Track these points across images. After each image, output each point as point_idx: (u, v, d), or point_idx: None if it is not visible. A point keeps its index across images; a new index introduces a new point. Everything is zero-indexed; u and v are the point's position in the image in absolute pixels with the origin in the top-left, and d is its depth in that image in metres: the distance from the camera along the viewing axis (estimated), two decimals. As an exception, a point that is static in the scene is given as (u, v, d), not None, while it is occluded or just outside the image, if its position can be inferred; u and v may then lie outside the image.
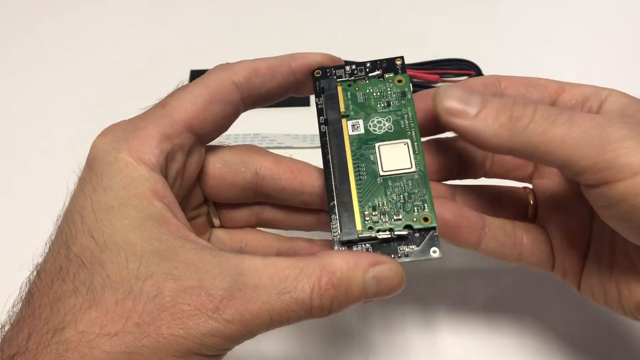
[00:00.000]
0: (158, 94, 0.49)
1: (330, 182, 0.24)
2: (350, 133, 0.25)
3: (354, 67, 0.26)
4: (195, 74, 0.49)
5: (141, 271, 0.19)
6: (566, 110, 0.21)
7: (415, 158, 0.24)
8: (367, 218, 0.23)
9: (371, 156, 0.24)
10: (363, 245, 0.23)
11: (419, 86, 0.46)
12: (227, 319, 0.19)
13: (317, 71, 0.26)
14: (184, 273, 0.20)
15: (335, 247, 0.23)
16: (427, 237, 0.23)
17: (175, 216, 0.21)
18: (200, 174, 0.26)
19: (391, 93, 0.26)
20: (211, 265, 0.20)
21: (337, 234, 0.23)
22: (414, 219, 0.23)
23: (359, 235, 0.23)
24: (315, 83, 0.26)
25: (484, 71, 0.47)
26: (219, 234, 0.28)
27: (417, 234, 0.23)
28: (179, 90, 0.24)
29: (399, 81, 0.26)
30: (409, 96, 0.25)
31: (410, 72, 0.47)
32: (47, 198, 0.41)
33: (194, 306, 0.19)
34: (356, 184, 0.24)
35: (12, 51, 0.53)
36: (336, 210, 0.23)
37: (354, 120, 0.25)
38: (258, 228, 0.29)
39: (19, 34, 0.55)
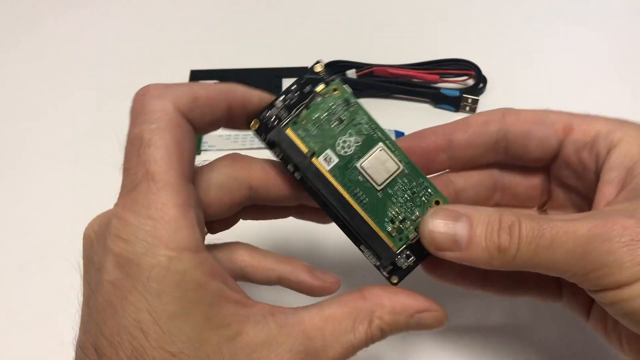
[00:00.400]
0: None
1: (342, 224, 0.24)
2: (328, 168, 0.24)
3: (282, 98, 0.24)
4: (195, 74, 0.49)
5: (238, 356, 0.20)
6: (547, 227, 0.21)
7: (396, 156, 0.24)
8: (392, 234, 0.24)
9: (359, 177, 0.24)
10: (405, 257, 0.24)
11: (419, 86, 0.46)
12: None
13: (253, 124, 0.24)
14: (261, 354, 0.20)
15: (385, 273, 0.24)
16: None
17: (230, 287, 0.21)
18: (203, 206, 0.24)
19: (336, 107, 0.24)
20: (282, 337, 0.21)
21: (378, 264, 0.24)
22: (429, 208, 0.24)
23: (397, 252, 0.24)
24: (263, 137, 0.24)
25: (484, 71, 0.47)
26: (213, 252, 0.26)
27: None
28: (144, 152, 0.20)
29: (335, 90, 0.24)
30: (353, 100, 0.24)
31: (410, 72, 0.47)
32: (47, 198, 0.41)
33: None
34: (364, 211, 0.24)
35: (12, 51, 0.53)
36: (366, 246, 0.24)
37: (324, 154, 0.24)
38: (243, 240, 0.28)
39: (18, 33, 0.55)
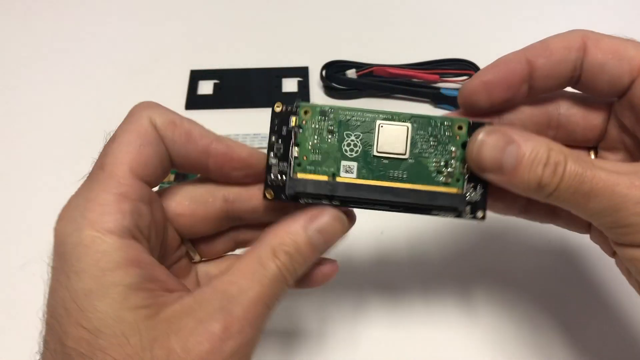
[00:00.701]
0: (158, 94, 0.49)
1: (402, 209, 0.24)
2: (354, 176, 0.24)
3: (272, 154, 0.24)
4: (195, 74, 0.49)
5: (144, 341, 0.20)
6: (589, 173, 0.21)
7: (396, 121, 0.24)
8: (448, 182, 0.24)
9: (384, 161, 0.24)
10: (473, 190, 0.24)
11: (418, 86, 0.47)
12: (239, 331, 0.20)
13: (268, 195, 0.24)
14: (181, 324, 0.20)
15: (468, 216, 0.24)
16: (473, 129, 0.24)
17: (155, 274, 0.21)
18: (171, 216, 0.25)
19: (318, 125, 0.24)
20: (197, 304, 0.21)
21: (457, 214, 0.24)
22: (457, 137, 0.24)
23: (464, 192, 0.24)
24: (284, 198, 0.24)
25: (484, 71, 0.47)
26: (205, 268, 0.28)
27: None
28: (109, 144, 0.23)
29: (306, 113, 0.24)
30: (327, 108, 0.24)
31: (410, 72, 0.47)
32: (48, 198, 0.41)
33: (205, 340, 0.20)
34: (411, 183, 0.24)
35: (12, 51, 0.53)
36: (436, 209, 0.24)
37: (342, 168, 0.24)
38: (239, 251, 0.28)
39: (18, 33, 0.55)
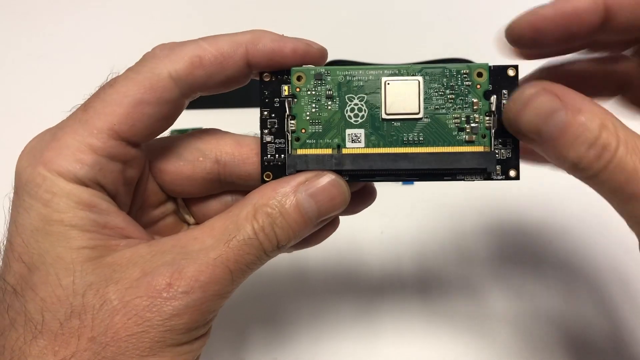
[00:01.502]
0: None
1: (425, 176, 0.21)
2: (363, 145, 0.21)
3: (267, 131, 0.22)
4: (195, 74, 0.49)
5: (77, 285, 0.18)
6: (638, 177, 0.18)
7: (406, 75, 0.21)
8: (472, 140, 0.21)
9: (396, 124, 0.21)
10: (502, 147, 0.21)
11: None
12: (185, 291, 0.18)
13: (266, 177, 0.22)
14: (125, 272, 0.19)
15: (504, 177, 0.21)
16: (499, 75, 0.21)
17: (111, 220, 0.20)
18: (155, 171, 0.23)
19: (315, 91, 0.21)
20: (149, 254, 0.19)
21: (488, 176, 0.21)
22: (478, 86, 0.21)
23: (493, 150, 0.21)
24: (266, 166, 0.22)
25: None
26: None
27: (495, 86, 0.21)
28: (105, 86, 0.21)
29: (299, 79, 0.22)
30: (323, 70, 0.21)
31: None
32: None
33: (145, 296, 0.18)
34: (429, 146, 0.21)
35: (12, 51, 0.53)
36: (463, 173, 0.21)
37: (347, 138, 0.21)
38: None
39: (18, 34, 0.55)
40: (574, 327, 0.33)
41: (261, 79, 0.22)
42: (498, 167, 0.21)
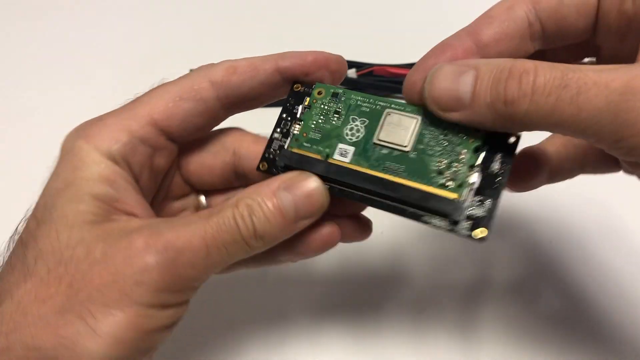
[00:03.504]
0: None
1: (394, 207, 0.22)
2: (348, 160, 0.22)
3: (279, 130, 0.24)
4: (195, 74, 0.49)
5: (72, 239, 0.20)
6: (573, 76, 0.17)
7: (408, 112, 0.22)
8: (447, 184, 0.21)
9: (383, 151, 0.22)
10: (478, 202, 0.20)
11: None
12: (158, 250, 0.20)
13: (262, 167, 0.24)
14: (115, 236, 0.20)
15: (464, 231, 0.20)
16: (495, 137, 0.21)
17: (124, 198, 0.22)
18: (180, 161, 0.26)
19: (328, 106, 0.23)
20: (140, 227, 0.21)
21: (451, 226, 0.21)
22: (470, 141, 0.21)
23: (459, 200, 0.20)
24: (275, 172, 0.24)
25: (484, 71, 0.47)
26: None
27: (487, 148, 0.21)
28: (156, 87, 0.24)
29: (319, 93, 0.24)
30: (340, 91, 0.24)
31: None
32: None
33: (123, 251, 0.19)
34: (405, 179, 0.21)
35: (12, 51, 0.53)
36: (428, 214, 0.21)
37: (337, 150, 0.23)
38: None
39: (18, 33, 0.55)
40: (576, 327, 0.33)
41: (292, 88, 0.25)
42: (465, 223, 0.20)
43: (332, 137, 0.23)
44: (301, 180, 0.22)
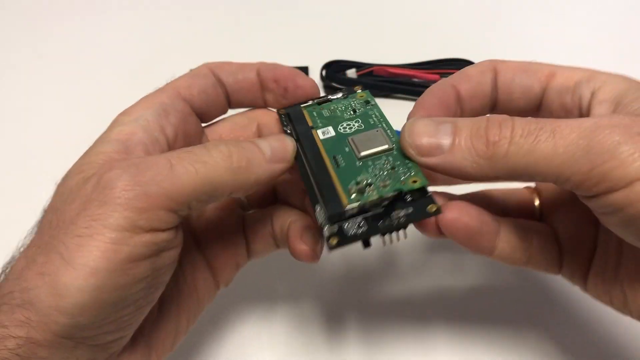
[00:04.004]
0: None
1: (308, 177, 0.23)
2: (322, 138, 0.25)
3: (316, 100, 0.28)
4: (195, 74, 0.49)
5: (75, 182, 0.21)
6: (547, 122, 0.19)
7: (391, 139, 0.24)
8: (352, 193, 0.22)
9: (346, 148, 0.24)
10: (354, 221, 0.22)
11: (419, 86, 0.47)
12: (124, 166, 0.20)
13: (280, 111, 0.28)
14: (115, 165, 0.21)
15: (326, 230, 0.21)
16: (422, 198, 0.21)
17: (127, 154, 0.23)
18: (209, 135, 0.28)
19: (355, 104, 0.27)
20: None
21: (322, 213, 0.22)
22: (402, 183, 0.21)
23: (346, 209, 0.21)
24: (280, 116, 0.27)
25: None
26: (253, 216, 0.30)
27: (409, 199, 0.22)
28: (171, 81, 0.27)
29: (361, 96, 0.27)
30: (373, 102, 0.27)
31: (410, 72, 0.47)
32: (47, 198, 0.41)
33: (96, 177, 0.20)
34: (335, 171, 0.23)
35: (12, 51, 0.53)
36: (317, 195, 0.22)
37: (324, 128, 0.25)
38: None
39: (19, 34, 0.55)
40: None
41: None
42: (334, 227, 0.22)
43: (333, 120, 0.26)
44: (275, 135, 0.25)
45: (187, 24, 0.56)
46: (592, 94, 0.23)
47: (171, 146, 0.25)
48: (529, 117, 0.20)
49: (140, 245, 0.19)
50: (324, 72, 0.48)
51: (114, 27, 0.56)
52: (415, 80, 0.47)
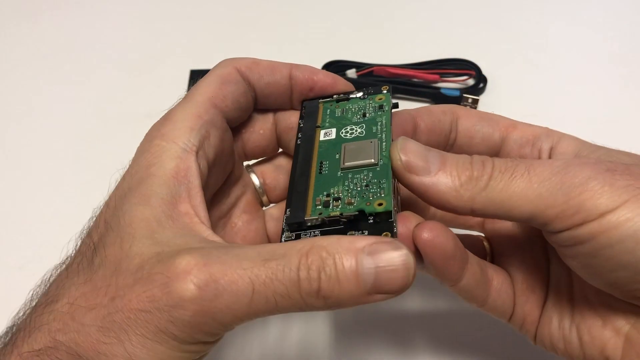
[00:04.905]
0: (158, 94, 0.49)
1: (291, 178, 0.24)
2: (322, 139, 0.25)
3: (342, 95, 0.27)
4: (195, 74, 0.49)
5: (132, 250, 0.19)
6: (523, 160, 0.21)
7: (381, 153, 0.23)
8: (317, 204, 0.22)
9: (336, 155, 0.24)
10: (312, 233, 0.21)
11: (419, 86, 0.46)
12: (198, 284, 0.18)
13: (305, 102, 0.27)
14: (167, 253, 0.19)
15: (284, 235, 0.21)
16: (384, 222, 0.21)
17: (191, 201, 0.21)
18: (236, 134, 0.27)
19: (369, 107, 0.26)
20: (196, 241, 0.20)
21: (285, 218, 0.22)
22: (367, 204, 0.21)
23: (306, 218, 0.21)
24: (302, 108, 0.27)
25: (484, 71, 0.47)
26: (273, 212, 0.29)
27: (371, 221, 0.21)
28: (195, 84, 0.25)
29: (380, 99, 0.26)
30: (387, 108, 0.26)
31: (410, 72, 0.47)
32: (48, 199, 0.41)
33: (164, 273, 0.18)
34: (315, 177, 0.23)
35: (12, 51, 0.53)
36: (289, 198, 0.23)
37: (327, 129, 0.25)
38: None
39: (19, 33, 0.55)
40: None
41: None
42: (292, 234, 0.22)
43: (341, 121, 0.26)
44: (390, 250, 0.19)
45: (187, 22, 0.56)
46: (552, 148, 0.24)
47: (210, 169, 0.23)
48: (507, 158, 0.22)
49: (197, 351, 0.19)
50: (324, 72, 0.47)
51: (114, 27, 0.56)
52: (415, 80, 0.47)
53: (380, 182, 0.22)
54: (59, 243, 0.25)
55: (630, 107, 0.46)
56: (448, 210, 0.22)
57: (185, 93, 0.25)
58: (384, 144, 0.24)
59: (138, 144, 0.23)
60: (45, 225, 0.39)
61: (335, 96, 0.27)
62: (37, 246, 0.37)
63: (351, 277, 0.18)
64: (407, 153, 0.21)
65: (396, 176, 0.22)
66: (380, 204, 0.21)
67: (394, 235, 0.20)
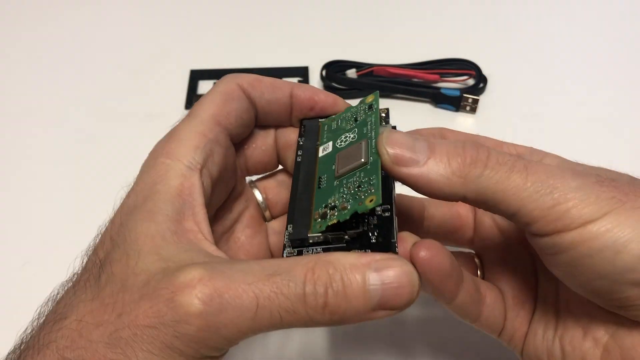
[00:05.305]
0: (158, 94, 0.49)
1: (292, 195, 0.24)
2: (320, 155, 0.25)
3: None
4: (195, 74, 0.49)
5: (138, 267, 0.19)
6: (518, 158, 0.21)
7: (370, 151, 0.23)
8: (316, 218, 0.22)
9: (332, 166, 0.24)
10: (314, 250, 0.21)
11: (419, 86, 0.47)
12: (203, 299, 0.18)
13: (304, 121, 0.27)
14: (173, 269, 0.19)
15: (285, 251, 0.21)
16: (384, 244, 0.21)
17: (195, 218, 0.21)
18: (239, 150, 0.27)
19: (359, 110, 0.26)
20: (201, 256, 0.20)
21: (288, 234, 0.22)
22: (360, 204, 0.21)
23: (309, 235, 0.21)
24: (300, 127, 0.27)
25: (484, 71, 0.47)
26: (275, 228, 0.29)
27: (373, 241, 0.21)
28: (198, 102, 0.25)
29: (369, 99, 0.26)
30: (375, 106, 0.25)
31: (410, 72, 0.47)
32: (48, 199, 0.41)
33: (169, 288, 0.18)
34: (315, 193, 0.23)
35: (12, 51, 0.53)
36: (291, 215, 0.23)
37: (325, 144, 0.25)
38: None
39: (19, 33, 0.55)
40: None
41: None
42: (294, 251, 0.21)
43: (336, 133, 0.26)
44: (396, 266, 0.19)
45: (187, 22, 0.56)
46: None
47: (213, 186, 0.24)
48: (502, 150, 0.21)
49: None
50: (324, 72, 0.48)
51: (114, 27, 0.56)
52: (415, 80, 0.47)
53: (370, 179, 0.21)
54: (60, 243, 0.25)
55: (630, 107, 0.46)
56: (441, 198, 0.21)
57: (191, 108, 0.25)
58: (373, 141, 0.23)
59: (138, 144, 0.23)
60: (46, 226, 0.39)
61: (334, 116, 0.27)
62: (38, 246, 0.37)
63: (359, 293, 0.18)
64: (394, 146, 0.21)
65: (386, 171, 0.21)
66: (371, 200, 0.20)
67: (395, 250, 0.20)
